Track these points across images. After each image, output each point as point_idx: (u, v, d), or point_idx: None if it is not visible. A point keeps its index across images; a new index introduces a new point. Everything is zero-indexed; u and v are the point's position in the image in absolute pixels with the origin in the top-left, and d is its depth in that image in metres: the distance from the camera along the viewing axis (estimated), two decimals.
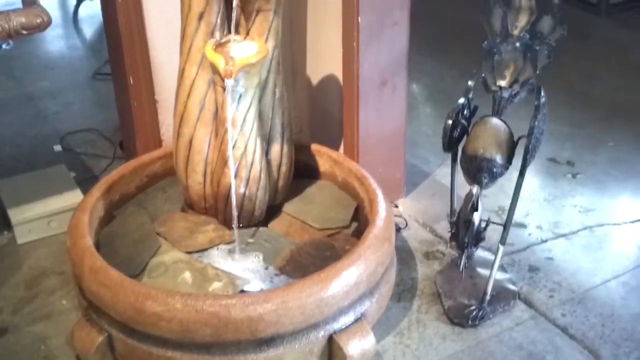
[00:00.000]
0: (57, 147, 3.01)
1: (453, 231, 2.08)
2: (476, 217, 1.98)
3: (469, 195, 1.96)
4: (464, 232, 1.99)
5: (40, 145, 3.04)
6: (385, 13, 2.29)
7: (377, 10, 2.27)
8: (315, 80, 2.60)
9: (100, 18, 4.24)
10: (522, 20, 2.02)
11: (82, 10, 4.57)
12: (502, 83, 2.01)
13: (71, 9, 4.62)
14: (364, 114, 2.40)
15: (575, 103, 3.32)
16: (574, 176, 2.82)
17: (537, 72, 1.98)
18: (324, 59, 2.51)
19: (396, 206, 2.60)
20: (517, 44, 2.00)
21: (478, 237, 2.05)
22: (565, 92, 3.34)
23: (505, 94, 2.01)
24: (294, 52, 2.59)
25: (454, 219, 2.09)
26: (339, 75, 2.45)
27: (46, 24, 1.95)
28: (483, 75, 2.04)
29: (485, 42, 2.07)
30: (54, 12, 4.54)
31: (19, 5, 1.93)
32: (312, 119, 2.70)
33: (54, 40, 4.04)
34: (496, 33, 2.02)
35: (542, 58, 2.01)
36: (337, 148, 2.56)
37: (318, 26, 2.49)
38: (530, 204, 2.64)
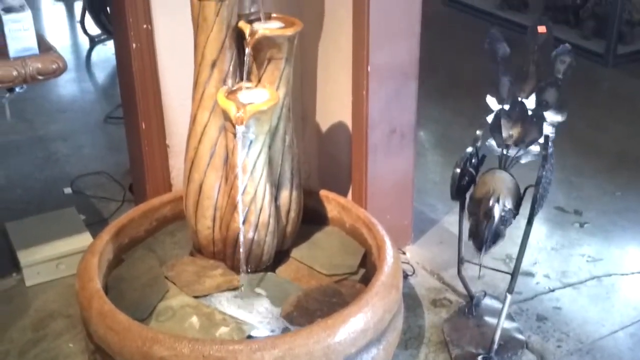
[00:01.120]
0: (68, 190, 3.03)
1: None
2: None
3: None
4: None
5: (51, 187, 3.06)
6: (395, 63, 2.33)
7: (387, 60, 2.31)
8: (324, 126, 2.63)
9: (112, 62, 4.33)
10: (529, 87, 2.08)
11: (95, 55, 4.64)
12: (509, 142, 2.04)
13: (84, 53, 4.69)
14: (372, 161, 2.43)
15: (583, 152, 3.34)
16: (581, 225, 2.83)
17: (542, 136, 2.01)
18: (334, 106, 2.55)
19: (404, 253, 2.61)
20: (524, 108, 2.04)
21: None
22: (573, 141, 3.36)
23: (511, 153, 2.03)
24: (304, 98, 2.63)
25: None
26: (348, 123, 2.48)
27: (62, 69, 1.99)
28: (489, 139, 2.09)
29: (492, 103, 2.12)
30: (67, 55, 4.58)
31: (36, 51, 1.97)
32: (321, 164, 2.73)
33: (67, 84, 4.09)
34: (503, 99, 2.06)
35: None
36: (345, 194, 2.57)
37: (328, 74, 2.52)
38: (538, 253, 2.64)
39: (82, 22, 4.72)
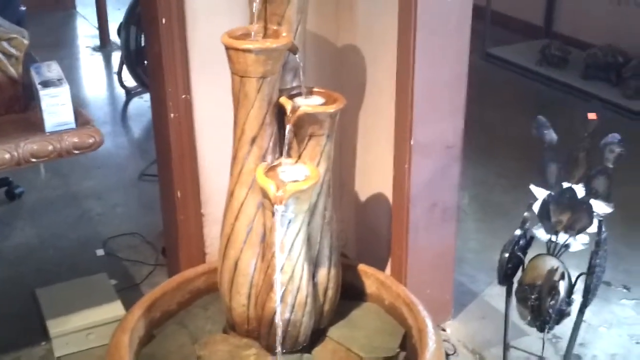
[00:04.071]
0: (100, 252, 2.99)
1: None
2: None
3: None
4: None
5: (83, 248, 3.02)
6: (439, 136, 2.26)
7: (431, 133, 2.24)
8: (363, 196, 2.56)
9: (148, 116, 4.31)
10: (578, 173, 2.01)
11: (131, 107, 4.64)
12: (558, 228, 1.96)
13: (120, 105, 4.69)
14: (413, 236, 2.35)
15: (631, 221, 3.21)
16: (630, 301, 2.70)
17: (592, 224, 1.94)
18: (373, 176, 2.48)
19: (444, 330, 2.51)
20: (573, 194, 1.96)
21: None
22: (621, 209, 3.23)
23: (561, 240, 1.95)
24: (342, 165, 2.57)
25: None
26: (388, 194, 2.41)
27: (98, 144, 1.95)
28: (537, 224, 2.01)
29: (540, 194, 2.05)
30: (104, 108, 4.63)
31: (73, 125, 1.93)
32: (358, 233, 2.65)
33: None
34: (552, 185, 1.99)
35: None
36: (383, 265, 2.50)
37: (368, 143, 2.47)
38: (585, 332, 2.52)
39: (119, 74, 4.74)
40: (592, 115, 2.06)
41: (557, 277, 1.86)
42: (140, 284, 2.77)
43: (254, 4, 1.93)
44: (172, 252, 2.58)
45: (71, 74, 5.12)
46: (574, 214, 1.95)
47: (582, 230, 1.99)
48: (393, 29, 2.19)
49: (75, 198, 3.43)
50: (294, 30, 1.96)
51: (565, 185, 2.02)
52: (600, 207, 2.01)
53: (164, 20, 2.17)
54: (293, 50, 1.94)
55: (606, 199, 2.03)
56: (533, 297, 1.89)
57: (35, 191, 3.43)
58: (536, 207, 2.05)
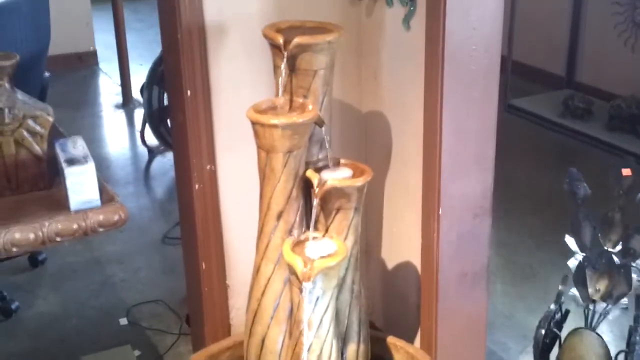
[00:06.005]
0: (123, 320, 2.95)
1: None
2: None
3: None
4: None
5: (106, 317, 2.98)
6: (467, 204, 2.21)
7: (459, 201, 2.20)
8: (390, 264, 2.51)
9: (170, 175, 4.32)
10: (615, 235, 1.93)
11: (154, 166, 4.63)
12: (595, 297, 1.89)
13: (143, 164, 4.69)
14: (442, 306, 2.28)
15: None
16: None
17: (632, 289, 1.87)
18: (400, 244, 2.44)
19: None
20: (610, 258, 1.90)
21: None
22: None
23: (599, 309, 1.88)
24: (368, 232, 2.52)
25: None
26: (416, 262, 2.36)
27: (123, 221, 1.93)
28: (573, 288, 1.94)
29: (575, 256, 1.98)
30: (126, 168, 4.63)
31: (98, 203, 1.91)
32: (385, 301, 2.60)
33: (125, 200, 3.96)
34: (586, 247, 1.93)
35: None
36: (412, 334, 2.43)
37: (394, 211, 2.43)
38: None
39: (142, 133, 4.75)
40: (627, 171, 1.99)
41: None
42: (164, 354, 2.72)
43: (280, 77, 1.92)
44: (196, 322, 2.53)
45: (93, 133, 5.15)
46: (612, 279, 1.89)
47: (620, 297, 1.92)
48: (419, 97, 2.17)
49: (98, 263, 3.40)
50: (320, 102, 1.95)
51: (602, 248, 1.95)
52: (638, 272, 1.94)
53: (189, 93, 2.16)
54: (319, 123, 1.91)
55: None
56: None
57: (58, 257, 3.41)
58: (571, 264, 1.99)
